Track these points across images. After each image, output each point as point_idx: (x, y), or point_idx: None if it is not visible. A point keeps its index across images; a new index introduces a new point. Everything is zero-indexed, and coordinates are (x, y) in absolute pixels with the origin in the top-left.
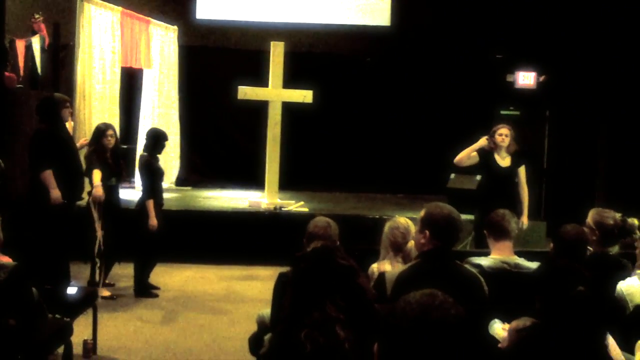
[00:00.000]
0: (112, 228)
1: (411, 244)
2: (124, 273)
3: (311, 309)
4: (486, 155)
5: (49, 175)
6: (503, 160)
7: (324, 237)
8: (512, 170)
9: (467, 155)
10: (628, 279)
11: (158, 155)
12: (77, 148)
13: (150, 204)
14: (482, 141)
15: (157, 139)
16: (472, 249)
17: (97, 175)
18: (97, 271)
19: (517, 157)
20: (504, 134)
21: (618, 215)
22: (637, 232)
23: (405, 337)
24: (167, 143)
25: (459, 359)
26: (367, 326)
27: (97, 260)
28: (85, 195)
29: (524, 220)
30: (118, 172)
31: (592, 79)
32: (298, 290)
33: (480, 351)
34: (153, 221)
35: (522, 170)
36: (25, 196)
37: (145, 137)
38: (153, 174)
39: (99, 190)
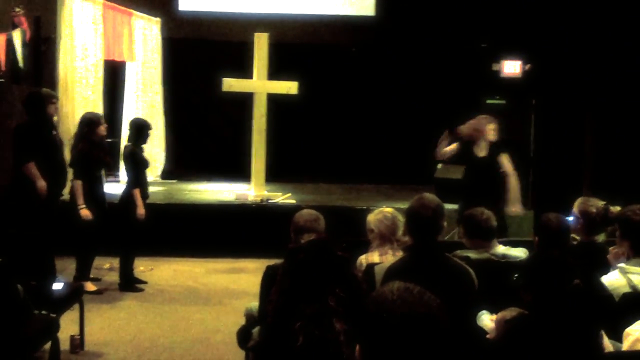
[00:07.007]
0: (95, 221)
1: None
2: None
3: (308, 300)
4: (466, 146)
5: (32, 167)
6: (481, 150)
7: (312, 229)
8: (490, 160)
9: (444, 150)
10: (609, 274)
11: (143, 146)
12: (60, 143)
13: (137, 192)
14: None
15: (140, 129)
16: (459, 239)
17: (80, 189)
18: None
19: (495, 146)
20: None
21: (601, 204)
22: None
23: (393, 336)
24: (150, 133)
25: (447, 350)
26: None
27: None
28: (66, 192)
29: (515, 208)
30: (107, 164)
31: (578, 68)
32: (296, 282)
33: (470, 342)
34: (141, 210)
35: (505, 158)
36: (8, 191)
37: (128, 127)
38: (138, 165)
39: (86, 213)
